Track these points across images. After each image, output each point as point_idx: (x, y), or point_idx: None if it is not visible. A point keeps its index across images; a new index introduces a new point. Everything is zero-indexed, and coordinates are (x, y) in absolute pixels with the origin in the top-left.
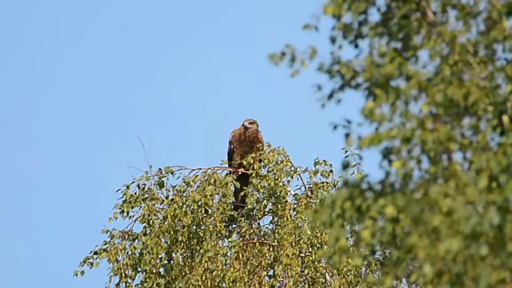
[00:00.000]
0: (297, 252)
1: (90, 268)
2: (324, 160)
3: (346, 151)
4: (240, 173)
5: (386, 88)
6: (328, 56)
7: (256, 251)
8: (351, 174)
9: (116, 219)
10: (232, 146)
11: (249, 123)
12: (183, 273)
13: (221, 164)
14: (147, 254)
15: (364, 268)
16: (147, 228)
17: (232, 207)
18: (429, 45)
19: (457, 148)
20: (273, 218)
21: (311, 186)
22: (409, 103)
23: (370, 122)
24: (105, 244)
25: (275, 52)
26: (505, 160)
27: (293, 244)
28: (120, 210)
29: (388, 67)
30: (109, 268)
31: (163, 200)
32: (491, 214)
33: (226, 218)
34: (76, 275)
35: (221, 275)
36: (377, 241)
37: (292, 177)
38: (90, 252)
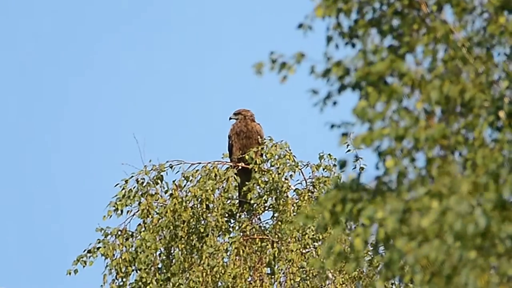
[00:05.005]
0: (301, 247)
1: (84, 266)
2: (329, 154)
3: (348, 145)
4: (240, 167)
5: (379, 87)
6: (320, 59)
7: (257, 247)
8: (353, 169)
9: (110, 217)
10: (231, 140)
11: (234, 114)
12: (183, 269)
13: (222, 158)
14: (142, 252)
15: (366, 265)
16: (145, 224)
17: (238, 202)
18: (423, 41)
19: (453, 145)
20: (273, 214)
21: (313, 181)
22: (403, 101)
23: (362, 122)
24: (99, 243)
25: (261, 60)
26: (501, 157)
27: (296, 239)
28: (114, 208)
29: (379, 65)
30: (107, 264)
31: (160, 196)
32: (477, 216)
33: (227, 214)
34: (70, 274)
35: (222, 272)
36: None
37: (294, 172)
38: (84, 251)
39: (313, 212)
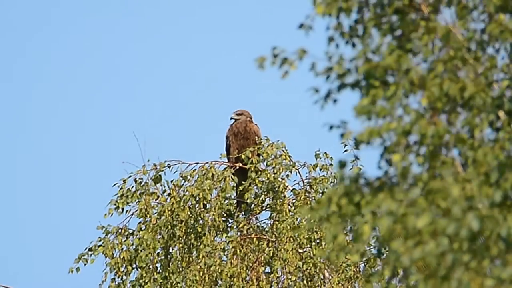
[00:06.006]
0: (296, 247)
1: (85, 264)
2: (325, 153)
3: (346, 145)
4: (237, 167)
5: (385, 81)
6: (321, 56)
7: (254, 246)
8: (350, 169)
9: (112, 215)
10: (228, 141)
11: (236, 114)
12: (180, 268)
13: (220, 158)
14: (142, 250)
15: (363, 264)
16: (144, 224)
17: (235, 202)
18: (423, 40)
19: (454, 142)
20: (271, 213)
21: (310, 180)
22: (408, 96)
23: (366, 119)
24: (100, 241)
25: (263, 55)
26: (501, 154)
27: (292, 239)
28: (115, 206)
29: (388, 59)
30: (105, 263)
31: (158, 196)
32: (470, 219)
33: (225, 214)
34: (72, 272)
35: (219, 271)
36: (375, 237)
37: (291, 172)
38: (85, 249)
39: (319, 206)
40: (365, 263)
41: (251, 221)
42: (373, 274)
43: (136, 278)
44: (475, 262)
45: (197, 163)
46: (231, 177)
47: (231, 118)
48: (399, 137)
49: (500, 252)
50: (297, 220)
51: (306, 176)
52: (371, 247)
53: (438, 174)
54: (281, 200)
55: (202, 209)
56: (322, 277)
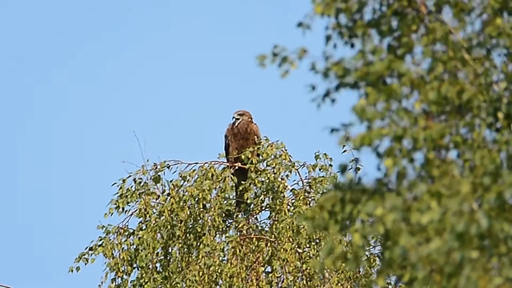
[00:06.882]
0: (295, 247)
1: (85, 264)
2: (325, 154)
3: (344, 146)
4: (237, 167)
5: (378, 87)
6: (321, 55)
7: (254, 246)
8: (349, 169)
9: (112, 214)
10: (227, 140)
11: (238, 114)
12: (180, 268)
13: (218, 158)
14: (143, 250)
15: (364, 263)
16: (144, 223)
17: (234, 202)
18: (422, 42)
19: (452, 146)
20: (270, 213)
21: (309, 181)
22: (401, 101)
23: (361, 121)
24: (100, 240)
25: (264, 53)
26: (499, 158)
27: (292, 239)
28: (115, 206)
29: (377, 65)
30: (105, 263)
31: (158, 196)
32: (479, 217)
33: (224, 214)
34: (72, 271)
35: (219, 271)
36: (369, 243)
37: (290, 172)
38: (86, 248)
39: (312, 213)
40: (365, 264)
41: (251, 221)
42: (369, 284)
43: (136, 277)
44: (483, 260)
45: (196, 163)
46: (231, 177)
47: (233, 118)
48: (393, 142)
49: (508, 250)
50: (296, 220)
51: (306, 176)
52: (371, 247)
53: (431, 181)
54: (280, 200)
55: (202, 209)
56: (321, 277)
